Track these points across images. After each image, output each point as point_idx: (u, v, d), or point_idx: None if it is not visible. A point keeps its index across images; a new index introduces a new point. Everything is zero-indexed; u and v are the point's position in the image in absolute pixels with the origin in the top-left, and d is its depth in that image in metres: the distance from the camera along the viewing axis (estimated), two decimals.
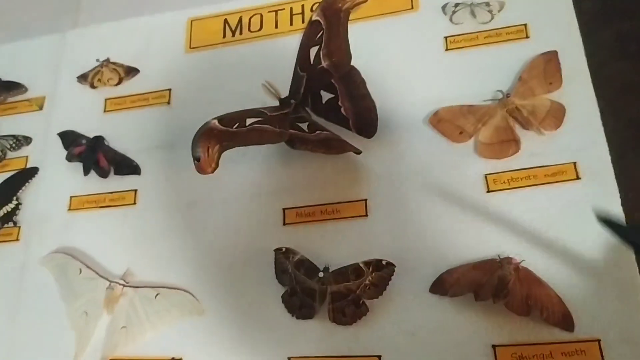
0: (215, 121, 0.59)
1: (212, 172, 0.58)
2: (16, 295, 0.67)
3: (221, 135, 0.58)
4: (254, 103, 0.62)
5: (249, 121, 0.61)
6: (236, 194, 0.66)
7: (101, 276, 0.63)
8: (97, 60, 0.78)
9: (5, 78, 0.82)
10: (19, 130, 0.78)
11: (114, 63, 0.78)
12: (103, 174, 0.71)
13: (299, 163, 0.65)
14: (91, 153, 0.72)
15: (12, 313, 0.67)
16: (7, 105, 0.81)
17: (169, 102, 0.74)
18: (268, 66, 0.73)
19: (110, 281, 0.62)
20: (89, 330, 0.62)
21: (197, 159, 0.57)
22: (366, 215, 0.61)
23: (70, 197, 0.72)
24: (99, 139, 0.72)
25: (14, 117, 0.80)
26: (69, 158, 0.73)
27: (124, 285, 0.62)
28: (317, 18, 0.61)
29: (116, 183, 0.71)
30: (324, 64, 0.62)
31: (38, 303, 0.67)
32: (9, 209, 0.71)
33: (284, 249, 0.60)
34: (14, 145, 0.76)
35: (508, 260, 0.52)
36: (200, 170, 0.57)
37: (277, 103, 0.63)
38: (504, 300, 0.51)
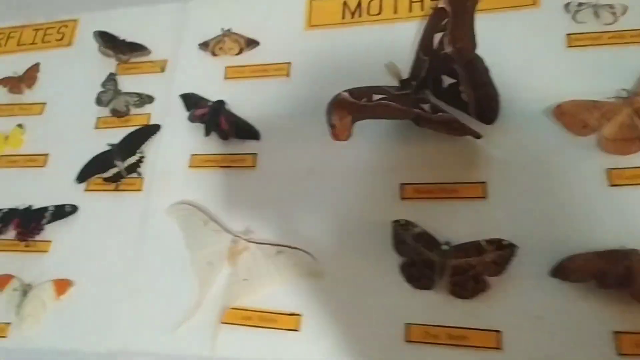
0: (347, 93, 0.62)
1: (346, 139, 0.61)
2: (138, 242, 0.72)
3: (351, 107, 0.61)
4: (370, 83, 0.64)
5: (375, 97, 0.64)
6: (355, 166, 0.69)
7: (225, 229, 0.67)
8: (222, 29, 0.81)
9: (130, 40, 0.86)
10: (141, 90, 0.82)
11: (235, 34, 0.82)
12: (224, 137, 0.75)
13: (417, 141, 0.68)
14: (213, 116, 0.75)
15: (135, 258, 0.71)
16: (131, 65, 0.85)
17: (288, 75, 0.78)
18: (385, 49, 0.76)
19: (234, 235, 0.66)
20: (212, 279, 0.65)
21: (332, 126, 0.60)
22: (485, 197, 0.63)
23: (191, 155, 0.75)
24: (221, 103, 0.76)
25: (137, 77, 0.84)
26: (191, 119, 0.77)
27: (248, 240, 0.66)
28: (443, 5, 0.63)
29: (236, 146, 0.74)
30: (447, 50, 0.65)
31: (159, 250, 0.71)
32: (133, 161, 0.76)
33: (402, 221, 0.63)
34: (137, 102, 0.81)
35: (635, 251, 0.54)
36: (335, 136, 0.60)
37: (393, 83, 0.65)
38: (629, 289, 0.53)
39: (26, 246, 0.73)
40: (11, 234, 0.75)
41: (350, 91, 0.63)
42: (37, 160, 0.81)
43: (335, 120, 0.60)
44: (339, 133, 0.60)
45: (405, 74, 0.68)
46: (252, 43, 0.81)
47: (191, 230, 0.68)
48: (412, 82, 0.68)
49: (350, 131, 0.61)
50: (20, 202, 0.78)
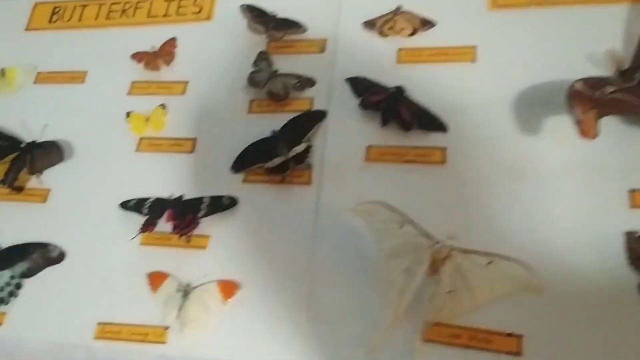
0: (581, 83, 0.54)
1: (594, 137, 0.53)
2: (311, 241, 0.64)
3: (590, 100, 0.54)
4: (571, 70, 0.58)
5: (608, 89, 0.56)
6: (569, 167, 0.61)
7: (425, 234, 0.59)
8: (397, 7, 0.73)
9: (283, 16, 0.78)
10: (298, 71, 0.74)
11: (408, 12, 0.73)
12: (405, 127, 0.67)
13: None
14: (392, 103, 0.67)
15: (308, 259, 0.63)
16: (285, 43, 0.77)
17: (473, 60, 0.69)
18: (585, 34, 0.68)
19: (436, 241, 0.58)
20: (410, 289, 0.58)
21: (578, 122, 0.52)
22: None
23: (366, 146, 0.67)
24: (401, 90, 0.68)
25: (292, 57, 0.77)
26: (365, 105, 0.69)
27: (452, 248, 0.58)
28: None
29: (420, 138, 0.66)
30: None
31: (335, 251, 0.63)
32: (301, 150, 0.68)
33: (638, 234, 0.55)
34: (297, 85, 0.73)
35: None
36: (583, 133, 0.53)
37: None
38: None
39: (187, 242, 0.66)
40: (164, 226, 0.68)
41: (585, 80, 0.55)
42: (183, 144, 0.74)
43: (580, 115, 0.52)
44: (586, 129, 0.53)
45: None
46: (427, 23, 0.73)
47: (384, 233, 0.60)
48: (635, 74, 0.59)
49: (597, 127, 0.53)
50: (166, 191, 0.70)
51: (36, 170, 0.74)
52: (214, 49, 0.80)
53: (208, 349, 0.61)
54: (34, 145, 0.75)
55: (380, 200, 0.61)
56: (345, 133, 0.69)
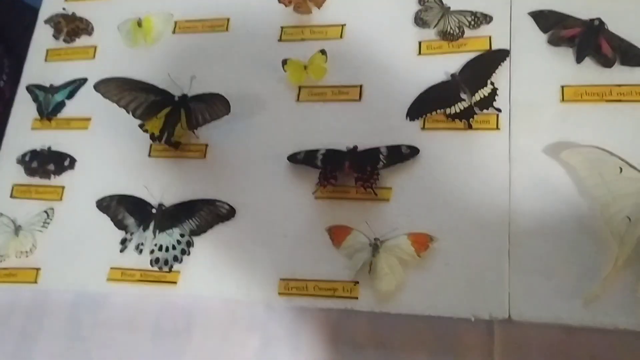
0: None
1: None
2: (506, 186, 0.66)
3: None
4: None
5: None
6: None
7: None
8: None
9: None
10: (470, 6, 0.75)
11: None
12: (607, 63, 0.67)
13: None
14: (590, 37, 0.68)
15: (506, 208, 0.65)
16: None
17: None
18: None
19: None
20: (632, 236, 0.59)
21: None
22: None
23: (561, 85, 0.68)
24: (600, 22, 0.68)
25: None
26: (555, 42, 0.70)
27: None
28: None
29: (623, 75, 0.67)
30: None
31: (535, 199, 0.65)
32: (486, 93, 0.69)
33: None
34: (472, 22, 0.73)
35: None
36: None
37: None
38: None
39: (374, 195, 0.68)
40: (342, 179, 0.71)
41: None
42: (348, 92, 0.76)
43: None
44: None
45: None
46: None
47: (602, 179, 0.61)
48: None
49: None
50: (334, 143, 0.73)
51: (197, 124, 0.77)
52: None
53: (404, 304, 0.64)
54: (187, 98, 0.79)
55: (591, 144, 0.62)
56: (534, 73, 0.70)
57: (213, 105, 0.75)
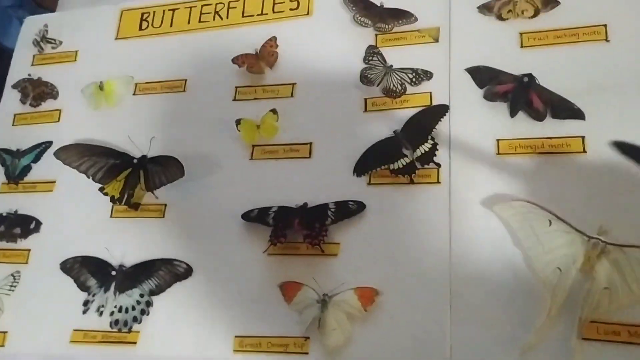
0: None
1: None
2: (447, 238, 0.70)
3: None
4: None
5: None
6: None
7: (577, 230, 0.63)
8: None
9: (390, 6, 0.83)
10: (411, 64, 0.79)
11: None
12: (539, 117, 0.71)
13: None
14: (522, 92, 0.72)
15: (448, 261, 0.69)
16: (395, 35, 0.82)
17: (606, 39, 0.73)
18: None
19: (590, 237, 0.63)
20: (564, 287, 0.62)
21: None
22: None
23: (497, 139, 0.72)
24: (531, 78, 0.72)
25: (403, 49, 0.82)
26: (490, 97, 0.74)
27: (607, 243, 0.62)
28: None
29: (554, 128, 0.71)
30: None
31: (476, 251, 0.68)
32: (427, 149, 0.73)
33: None
34: (413, 79, 0.78)
35: None
36: None
37: None
38: None
39: (321, 251, 0.72)
40: (292, 236, 0.74)
41: None
42: (299, 150, 0.80)
43: None
44: None
45: None
46: (550, 2, 0.76)
47: (533, 231, 0.65)
48: None
49: None
50: (286, 199, 0.77)
51: (154, 186, 0.81)
52: (318, 46, 0.86)
53: (352, 358, 0.68)
54: (146, 159, 0.83)
55: (522, 198, 0.66)
56: (473, 127, 0.74)
57: (169, 169, 0.79)
